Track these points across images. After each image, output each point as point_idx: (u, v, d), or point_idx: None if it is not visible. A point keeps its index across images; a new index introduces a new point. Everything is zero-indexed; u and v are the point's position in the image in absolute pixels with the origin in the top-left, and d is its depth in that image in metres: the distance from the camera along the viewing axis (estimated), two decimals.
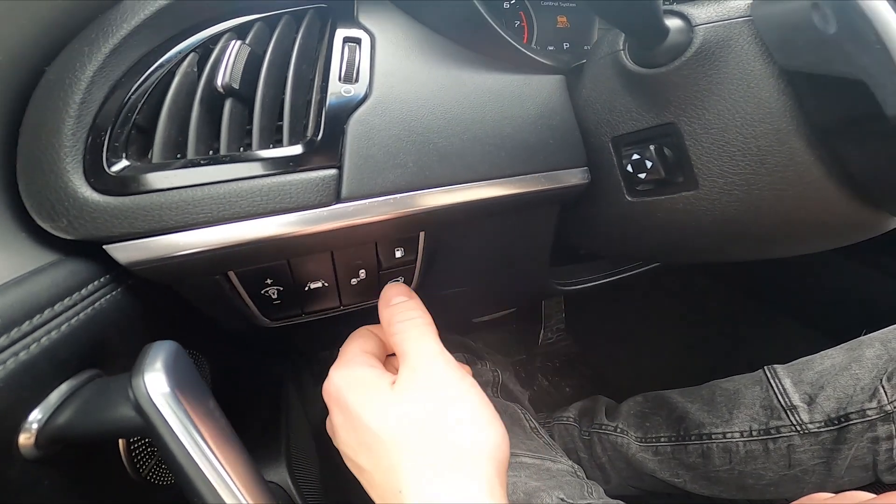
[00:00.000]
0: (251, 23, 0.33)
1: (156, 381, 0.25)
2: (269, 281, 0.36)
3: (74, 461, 0.28)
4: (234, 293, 0.36)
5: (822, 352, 0.60)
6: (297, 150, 0.30)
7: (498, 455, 0.30)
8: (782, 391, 0.59)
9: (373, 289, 0.41)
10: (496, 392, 0.82)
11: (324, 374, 0.35)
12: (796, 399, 0.57)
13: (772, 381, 0.61)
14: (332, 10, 0.36)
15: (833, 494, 0.44)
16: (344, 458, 0.34)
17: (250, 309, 0.38)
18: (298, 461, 0.59)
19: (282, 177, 0.30)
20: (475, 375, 0.35)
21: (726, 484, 0.63)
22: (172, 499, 0.37)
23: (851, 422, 0.53)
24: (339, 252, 0.37)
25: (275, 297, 0.38)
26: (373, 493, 0.31)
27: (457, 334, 0.98)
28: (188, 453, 0.24)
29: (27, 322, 0.24)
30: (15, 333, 0.23)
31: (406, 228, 0.36)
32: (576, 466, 0.63)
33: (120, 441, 0.33)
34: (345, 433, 0.32)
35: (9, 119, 0.28)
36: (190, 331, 0.42)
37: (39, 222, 0.28)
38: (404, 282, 0.42)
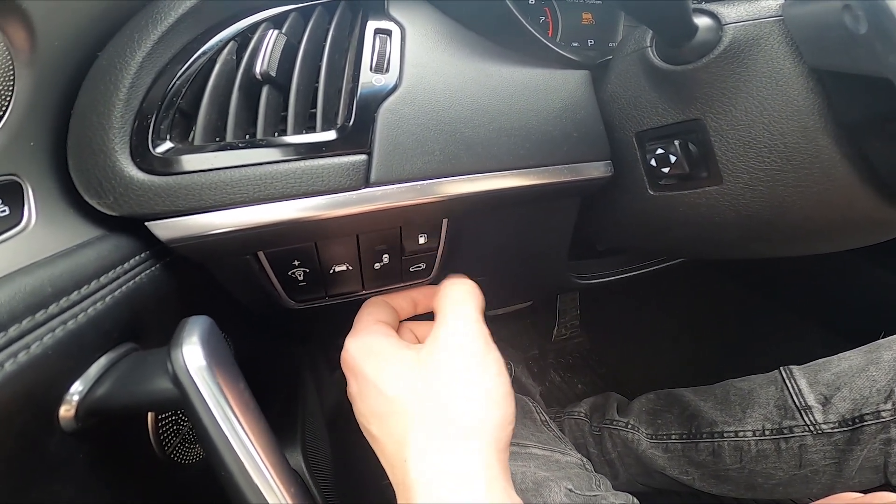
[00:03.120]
0: (286, 13, 0.35)
1: (193, 355, 0.25)
2: (296, 263, 0.38)
3: (107, 437, 0.29)
4: (262, 274, 0.37)
5: (839, 354, 0.60)
6: (329, 135, 0.32)
7: (502, 434, 0.30)
8: (797, 391, 0.59)
9: (395, 274, 0.42)
10: None
11: (340, 361, 0.36)
12: (811, 399, 0.57)
13: (787, 381, 0.61)
14: (364, 1, 0.37)
15: (861, 494, 0.44)
16: (360, 427, 0.34)
17: (277, 290, 0.39)
18: (312, 447, 0.61)
19: (314, 161, 0.31)
20: None
21: (735, 483, 0.63)
22: (193, 477, 0.38)
23: (866, 423, 0.53)
24: (365, 236, 0.38)
25: (301, 278, 0.39)
26: (383, 461, 0.32)
27: None
28: (220, 427, 0.25)
29: (76, 292, 0.26)
30: (64, 302, 0.25)
31: (430, 215, 0.37)
32: (584, 459, 0.63)
33: (148, 419, 0.35)
34: (360, 401, 0.33)
35: (62, 101, 0.29)
36: (219, 311, 0.44)
37: (87, 199, 0.29)
38: (425, 268, 0.43)
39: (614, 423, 0.76)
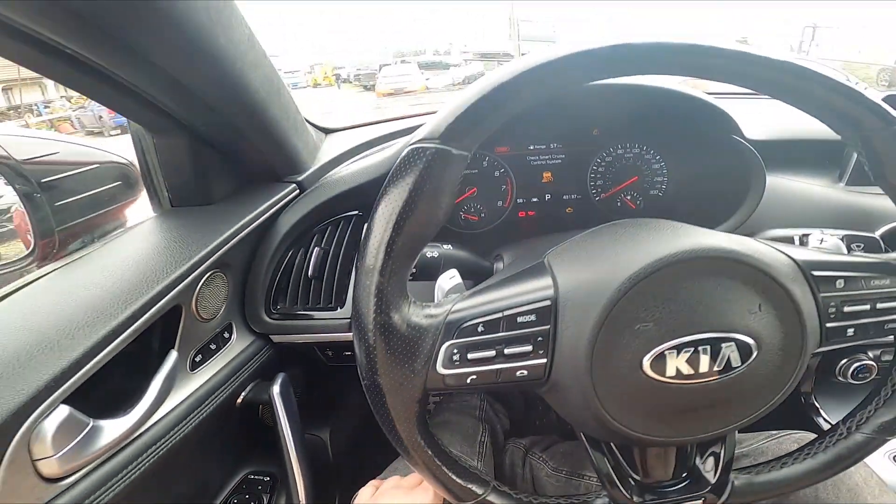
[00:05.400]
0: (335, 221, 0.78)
1: (276, 388, 0.71)
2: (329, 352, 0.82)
3: (245, 413, 0.75)
4: (315, 354, 0.83)
5: None
6: None
7: None
8: None
9: None
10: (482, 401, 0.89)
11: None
12: None
13: None
14: None
15: None
16: None
17: (322, 358, 0.84)
18: (337, 427, 1.00)
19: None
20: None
21: None
22: (274, 435, 0.84)
23: None
24: None
25: (332, 355, 0.83)
26: None
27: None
28: (279, 414, 0.71)
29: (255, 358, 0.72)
30: (251, 364, 0.72)
31: None
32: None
33: (260, 407, 0.82)
34: None
35: (242, 286, 0.75)
36: (299, 366, 0.90)
37: (252, 326, 0.75)
38: None
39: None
